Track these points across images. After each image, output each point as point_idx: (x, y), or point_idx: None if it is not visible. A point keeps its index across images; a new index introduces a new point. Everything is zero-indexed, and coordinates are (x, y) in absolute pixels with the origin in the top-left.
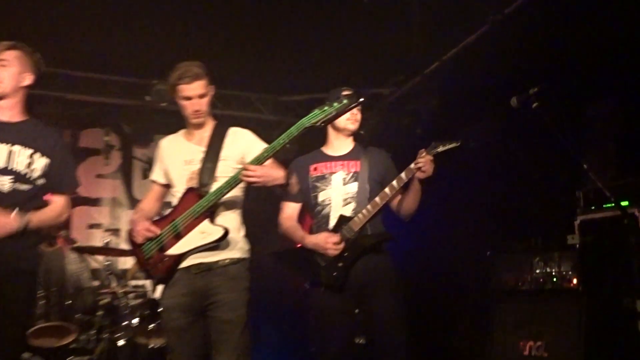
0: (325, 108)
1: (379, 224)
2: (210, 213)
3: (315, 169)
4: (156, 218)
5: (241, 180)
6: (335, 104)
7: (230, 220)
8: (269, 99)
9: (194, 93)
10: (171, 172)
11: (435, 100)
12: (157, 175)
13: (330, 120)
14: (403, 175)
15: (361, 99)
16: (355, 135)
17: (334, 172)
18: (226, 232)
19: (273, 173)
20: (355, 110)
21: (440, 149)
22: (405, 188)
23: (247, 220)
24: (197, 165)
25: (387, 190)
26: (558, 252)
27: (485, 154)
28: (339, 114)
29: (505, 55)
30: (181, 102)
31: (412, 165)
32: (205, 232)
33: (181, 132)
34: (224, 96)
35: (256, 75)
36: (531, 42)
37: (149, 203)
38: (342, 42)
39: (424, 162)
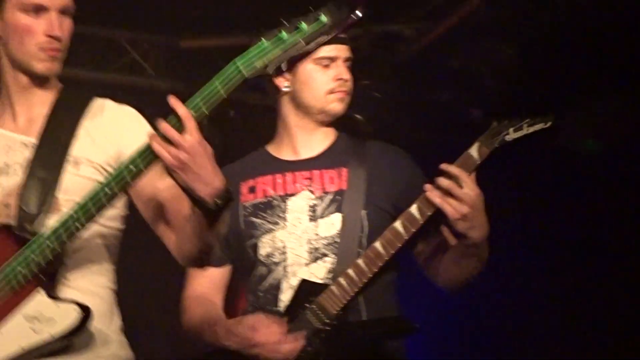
0: (282, 35)
1: (385, 298)
2: (48, 278)
3: (252, 188)
4: None
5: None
6: (302, 26)
7: (93, 292)
8: (158, 42)
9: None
10: None
11: (511, 48)
12: None
13: (294, 58)
14: (414, 210)
15: (357, 13)
16: (341, 121)
17: (293, 194)
18: (86, 316)
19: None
20: (342, 67)
21: (510, 135)
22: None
23: (125, 294)
24: (15, 177)
25: (398, 226)
26: None
27: (613, 153)
28: (311, 42)
29: None
30: (19, 16)
31: (428, 191)
32: (39, 317)
33: None
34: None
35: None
36: None
37: None
38: None
39: (453, 187)
